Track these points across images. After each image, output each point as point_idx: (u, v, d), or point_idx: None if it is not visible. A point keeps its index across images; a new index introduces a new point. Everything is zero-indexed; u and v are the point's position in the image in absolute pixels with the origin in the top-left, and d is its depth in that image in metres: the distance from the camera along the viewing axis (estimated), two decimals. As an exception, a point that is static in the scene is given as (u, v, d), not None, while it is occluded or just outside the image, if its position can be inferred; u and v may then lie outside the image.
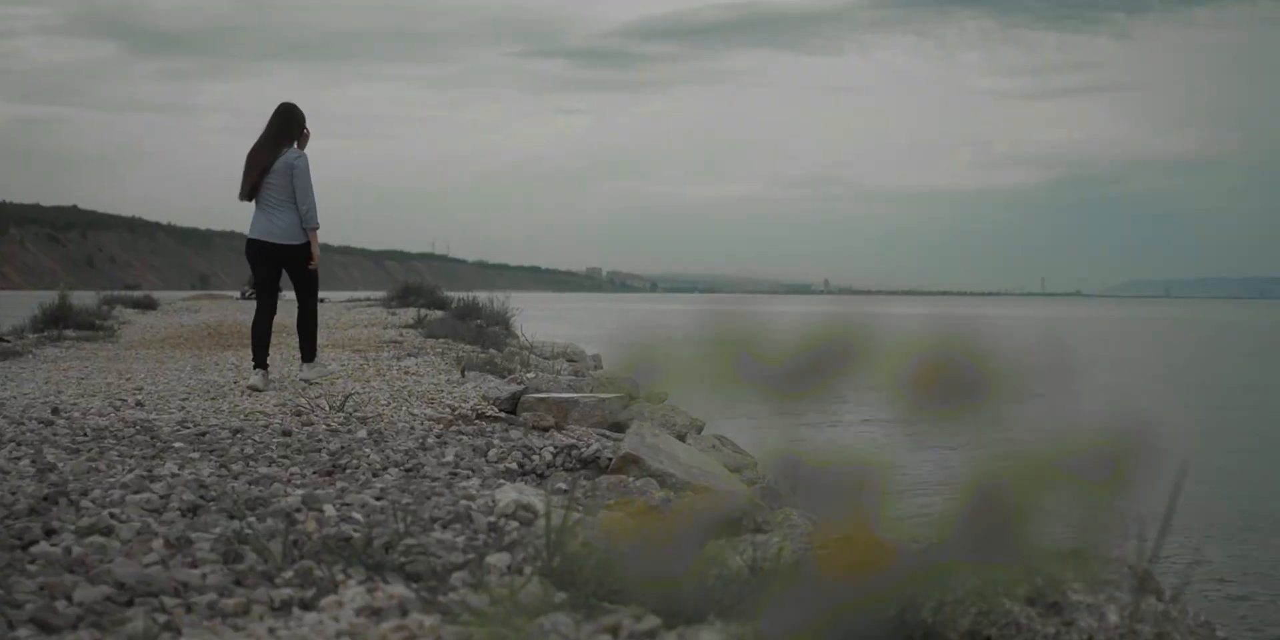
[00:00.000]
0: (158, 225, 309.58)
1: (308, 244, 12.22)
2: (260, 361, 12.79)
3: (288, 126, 12.01)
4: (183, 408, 10.94)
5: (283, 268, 12.56)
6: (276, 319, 12.93)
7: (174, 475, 6.85)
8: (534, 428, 10.58)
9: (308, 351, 13.01)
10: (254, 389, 12.46)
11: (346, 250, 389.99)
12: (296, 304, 13.34)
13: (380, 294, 43.40)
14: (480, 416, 11.02)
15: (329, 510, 5.77)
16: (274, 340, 13.42)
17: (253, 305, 37.11)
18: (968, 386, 3.45)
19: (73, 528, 5.24)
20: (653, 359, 3.71)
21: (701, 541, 4.13)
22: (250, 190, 12.15)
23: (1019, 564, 3.80)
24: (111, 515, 5.51)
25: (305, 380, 12.80)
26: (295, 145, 12.13)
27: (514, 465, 8.43)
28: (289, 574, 4.48)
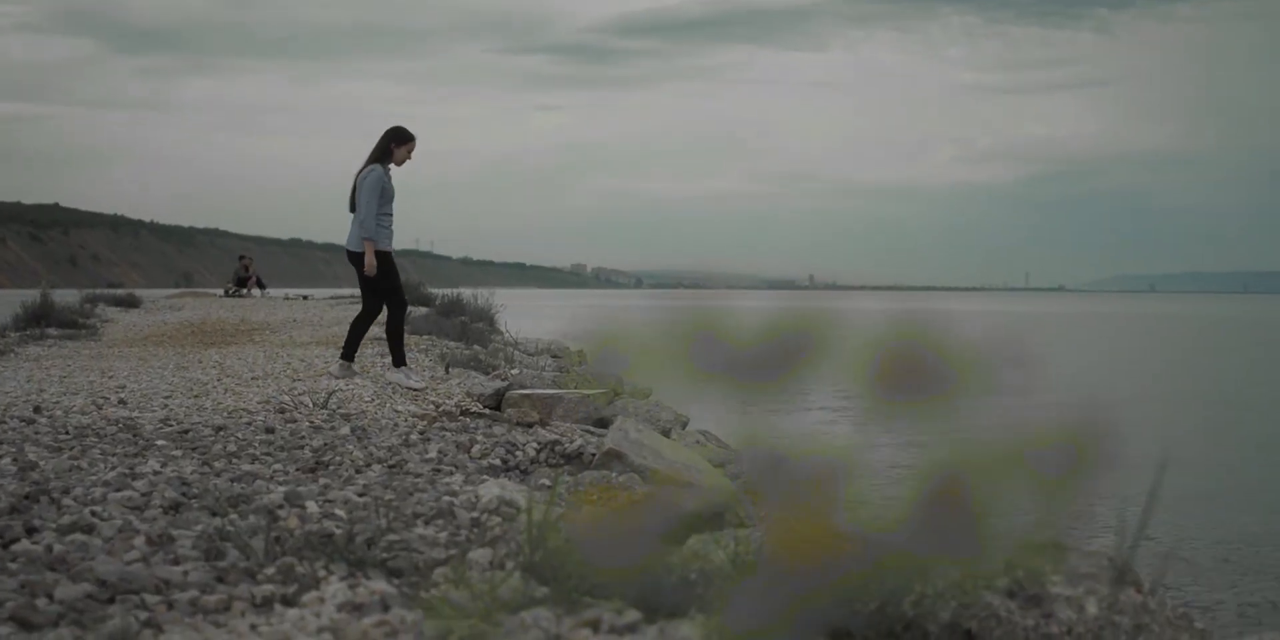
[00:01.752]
0: (140, 223, 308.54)
1: (355, 251, 12.56)
2: (345, 354, 13.11)
3: (380, 146, 12.44)
4: (165, 406, 10.92)
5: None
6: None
7: (156, 473, 6.84)
8: (518, 424, 10.59)
9: (395, 357, 13.08)
10: (331, 375, 13.13)
11: (330, 247, 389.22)
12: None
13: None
14: (464, 413, 11.03)
15: (311, 507, 5.78)
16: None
17: (234, 302, 36.89)
18: (934, 378, 3.46)
19: (54, 526, 5.24)
20: (616, 346, 3.72)
21: (664, 532, 4.14)
22: (349, 203, 12.62)
23: (977, 554, 3.81)
24: (93, 513, 5.50)
25: (392, 382, 12.86)
26: (381, 163, 12.51)
27: (497, 461, 8.45)
28: (271, 571, 4.48)
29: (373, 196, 12.27)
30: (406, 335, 13.53)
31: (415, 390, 12.24)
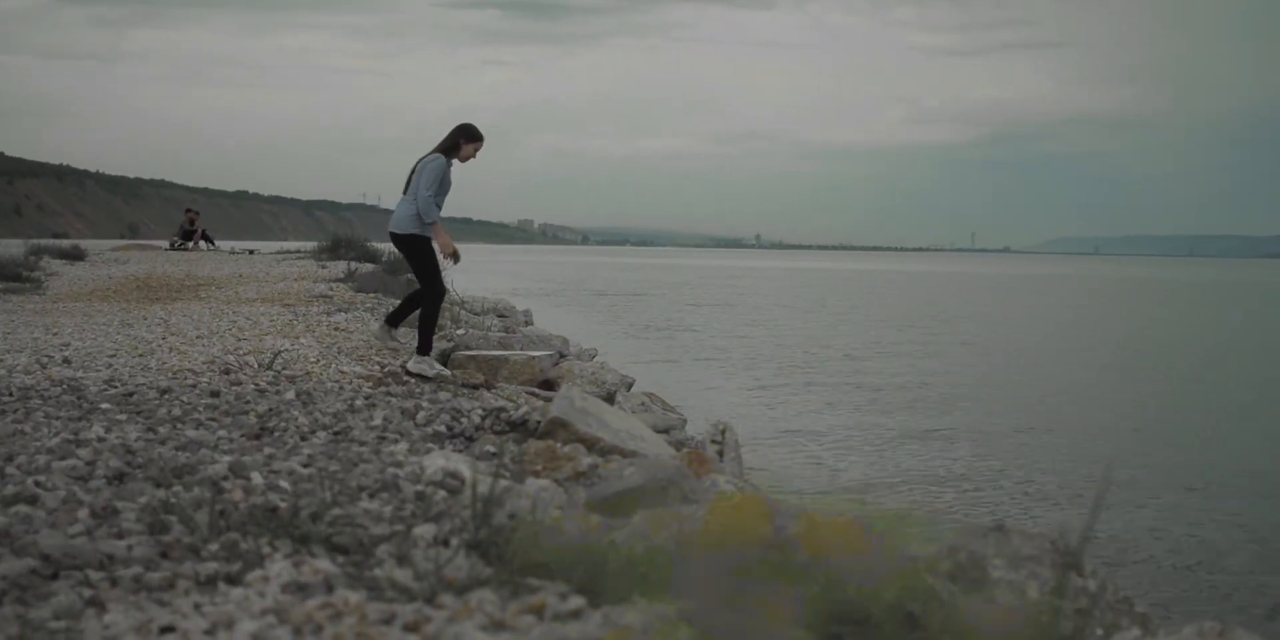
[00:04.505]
0: (86, 173, 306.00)
1: (412, 235, 12.25)
2: (390, 319, 12.80)
3: (450, 139, 12.26)
4: (110, 365, 10.86)
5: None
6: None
7: (100, 439, 6.80)
8: (464, 385, 10.59)
9: (420, 344, 12.52)
10: (373, 335, 13.01)
11: (277, 200, 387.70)
12: None
13: (311, 245, 43.21)
14: (410, 374, 11.03)
15: (256, 478, 5.75)
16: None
17: (181, 256, 36.51)
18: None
19: (-3, 496, 5.21)
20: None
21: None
22: (404, 186, 12.44)
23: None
24: (36, 483, 5.47)
25: (404, 368, 12.38)
26: (447, 155, 12.31)
27: (442, 428, 8.43)
28: (215, 547, 4.46)
29: (433, 181, 12.07)
30: (353, 293, 13.31)
31: (428, 379, 11.78)
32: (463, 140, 12.10)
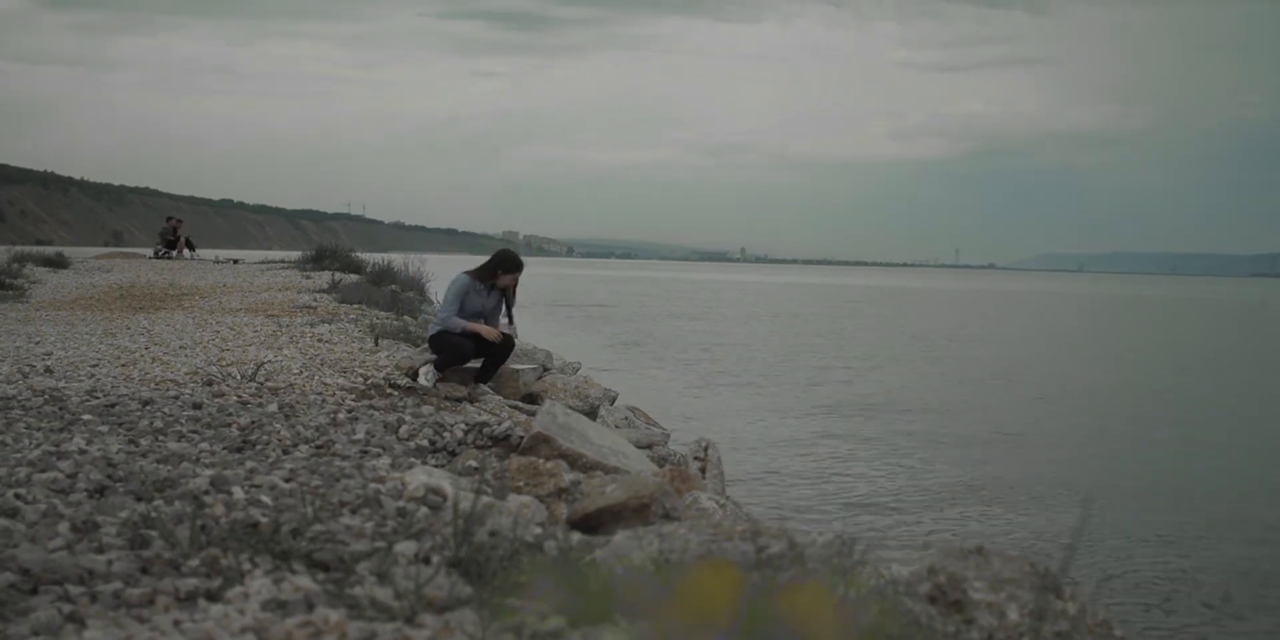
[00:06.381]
0: (70, 180, 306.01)
1: (431, 338, 12.29)
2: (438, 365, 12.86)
3: (486, 264, 12.37)
4: (92, 375, 10.85)
5: None
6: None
7: (82, 451, 6.78)
8: (446, 398, 10.58)
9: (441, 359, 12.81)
10: (418, 377, 12.54)
11: (262, 209, 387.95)
12: None
13: (295, 255, 43.23)
14: (393, 386, 11.02)
15: (237, 493, 5.74)
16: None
17: (164, 265, 36.49)
18: None
19: (-24, 510, 5.19)
20: None
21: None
22: None
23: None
24: (17, 496, 5.46)
25: (404, 360, 12.54)
26: (480, 279, 12.34)
27: (425, 442, 8.42)
28: (195, 562, 4.45)
29: (450, 301, 12.14)
30: (337, 304, 13.24)
31: (410, 389, 11.79)
32: (499, 271, 12.23)
